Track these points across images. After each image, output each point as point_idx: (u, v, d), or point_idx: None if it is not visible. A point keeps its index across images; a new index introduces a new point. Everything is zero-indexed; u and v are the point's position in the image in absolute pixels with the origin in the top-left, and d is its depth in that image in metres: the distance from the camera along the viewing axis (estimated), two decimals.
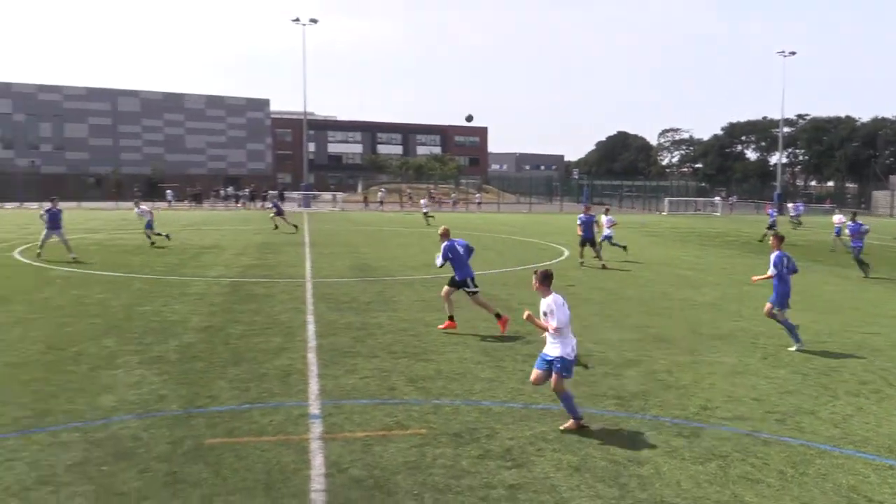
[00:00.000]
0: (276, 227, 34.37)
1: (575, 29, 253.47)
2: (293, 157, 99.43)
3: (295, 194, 73.16)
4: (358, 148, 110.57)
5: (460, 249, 12.08)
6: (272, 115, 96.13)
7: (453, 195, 75.26)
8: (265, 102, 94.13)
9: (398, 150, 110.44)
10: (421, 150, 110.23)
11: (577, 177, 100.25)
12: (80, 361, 9.70)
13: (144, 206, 26.28)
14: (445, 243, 12.10)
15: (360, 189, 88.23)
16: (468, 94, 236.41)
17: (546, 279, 7.55)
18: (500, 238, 32.16)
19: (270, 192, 67.27)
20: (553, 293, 7.47)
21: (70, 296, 14.78)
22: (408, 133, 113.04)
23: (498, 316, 11.80)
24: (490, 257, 22.97)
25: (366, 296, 15.31)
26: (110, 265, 19.94)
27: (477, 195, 75.03)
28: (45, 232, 21.60)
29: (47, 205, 21.89)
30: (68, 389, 8.46)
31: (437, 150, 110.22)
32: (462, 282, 12.00)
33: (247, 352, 10.36)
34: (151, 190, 71.24)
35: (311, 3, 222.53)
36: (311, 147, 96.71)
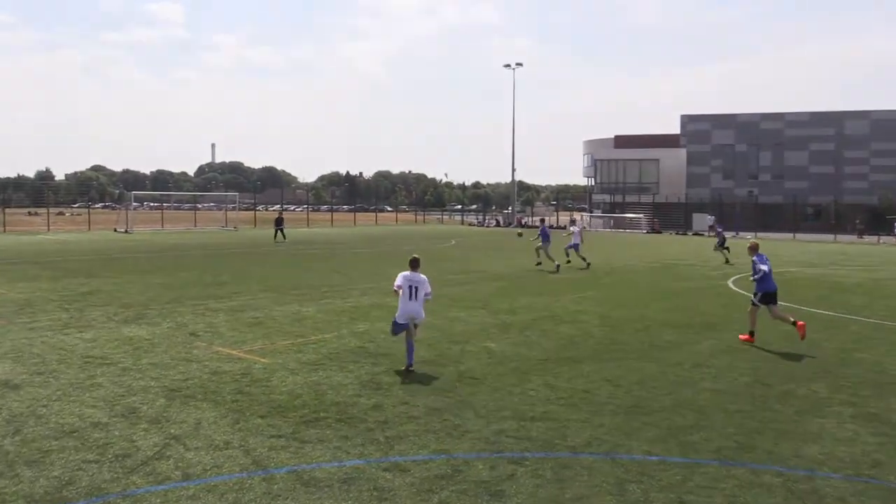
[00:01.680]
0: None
1: None
2: None
3: None
4: None
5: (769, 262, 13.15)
6: None
7: None
8: None
9: None
10: None
11: None
12: (787, 402, 9.39)
13: (575, 228, 29.44)
14: (758, 256, 13.17)
15: None
16: None
17: (412, 263, 10.66)
18: None
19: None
20: (411, 271, 10.54)
21: (782, 330, 14.38)
22: None
23: (794, 323, 12.86)
24: None
25: None
26: (825, 303, 19.08)
27: None
28: (544, 244, 26.46)
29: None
30: (772, 429, 8.24)
31: None
32: (775, 293, 13.18)
33: None
34: (876, 222, 65.91)
35: None
36: None
